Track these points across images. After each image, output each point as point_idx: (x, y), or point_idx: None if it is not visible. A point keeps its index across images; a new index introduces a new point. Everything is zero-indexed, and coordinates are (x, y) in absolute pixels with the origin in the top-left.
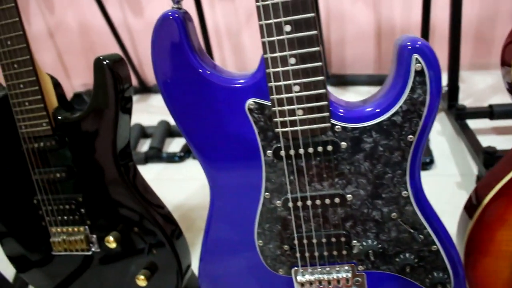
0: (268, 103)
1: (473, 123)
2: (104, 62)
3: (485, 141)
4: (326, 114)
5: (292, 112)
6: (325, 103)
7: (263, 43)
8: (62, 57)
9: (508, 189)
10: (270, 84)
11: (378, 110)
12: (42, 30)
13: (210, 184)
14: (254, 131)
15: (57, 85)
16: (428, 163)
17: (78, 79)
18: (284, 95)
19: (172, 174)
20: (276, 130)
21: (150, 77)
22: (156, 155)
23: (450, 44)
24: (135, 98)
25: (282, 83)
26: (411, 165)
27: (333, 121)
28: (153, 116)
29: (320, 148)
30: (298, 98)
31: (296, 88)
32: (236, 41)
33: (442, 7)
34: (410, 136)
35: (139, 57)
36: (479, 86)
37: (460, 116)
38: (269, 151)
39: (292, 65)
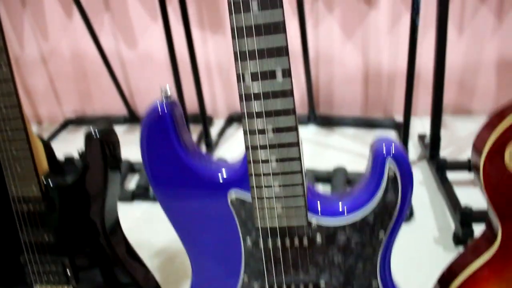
0: (249, 197)
1: (453, 175)
2: (95, 137)
3: (464, 193)
4: (303, 213)
5: (271, 209)
6: (302, 203)
7: (246, 147)
8: (54, 83)
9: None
10: (251, 184)
11: (352, 210)
12: (35, 55)
13: (191, 262)
14: (235, 221)
15: (48, 148)
16: (408, 215)
17: (69, 105)
18: (264, 194)
19: (159, 213)
20: (255, 224)
21: (140, 107)
22: (143, 194)
23: (433, 93)
24: (123, 128)
25: (262, 184)
26: (382, 259)
27: (309, 219)
28: None
29: (296, 241)
30: (278, 197)
31: (276, 188)
32: (227, 76)
33: (428, 52)
34: (381, 233)
35: (129, 87)
36: (460, 133)
37: (440, 168)
38: (248, 240)
39: (273, 168)
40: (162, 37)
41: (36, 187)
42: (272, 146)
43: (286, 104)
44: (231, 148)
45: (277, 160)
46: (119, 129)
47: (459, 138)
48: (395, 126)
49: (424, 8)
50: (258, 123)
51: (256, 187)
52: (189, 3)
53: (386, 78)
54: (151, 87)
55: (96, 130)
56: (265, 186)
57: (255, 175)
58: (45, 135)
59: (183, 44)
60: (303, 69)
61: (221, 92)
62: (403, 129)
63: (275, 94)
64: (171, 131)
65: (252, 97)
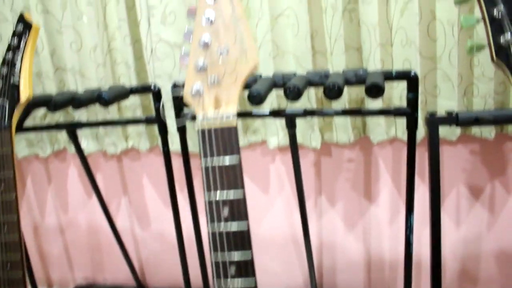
0: None
1: None
2: None
3: None
4: None
5: None
6: None
7: None
8: (68, 251)
9: None
10: None
11: None
12: (54, 225)
13: None
14: None
15: None
16: None
17: (80, 273)
18: None
19: None
20: None
21: (148, 278)
22: None
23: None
24: None
25: None
26: None
27: None
28: None
29: None
30: None
31: None
32: None
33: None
34: None
35: (140, 260)
36: None
37: None
38: None
39: None
40: (171, 229)
41: None
42: None
43: None
44: None
45: None
46: None
47: None
48: None
49: (423, 201)
50: None
51: None
52: (197, 192)
53: (388, 265)
54: (160, 262)
55: None
56: None
57: None
58: None
59: (191, 227)
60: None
61: None
62: None
63: None
64: None
65: None
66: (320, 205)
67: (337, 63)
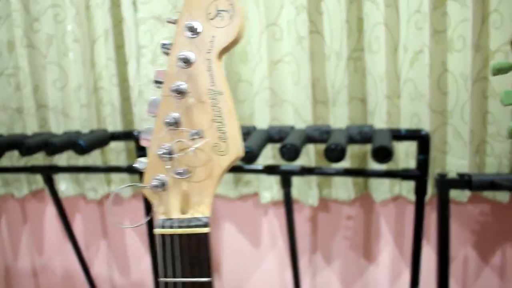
0: None
1: None
2: None
3: None
4: None
5: None
6: None
7: None
8: None
9: None
10: None
11: None
12: (27, 268)
13: None
14: None
15: None
16: None
17: None
18: None
19: None
20: None
21: None
22: None
23: None
24: None
25: None
26: None
27: None
28: None
29: None
30: None
31: None
32: None
33: None
34: None
35: None
36: None
37: None
38: None
39: None
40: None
41: None
42: None
43: None
44: None
45: None
46: None
47: None
48: None
49: (427, 261)
50: None
51: None
52: None
53: None
54: None
55: None
56: None
57: None
58: None
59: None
60: None
61: None
62: None
63: None
64: None
65: None
66: (315, 263)
67: (339, 115)
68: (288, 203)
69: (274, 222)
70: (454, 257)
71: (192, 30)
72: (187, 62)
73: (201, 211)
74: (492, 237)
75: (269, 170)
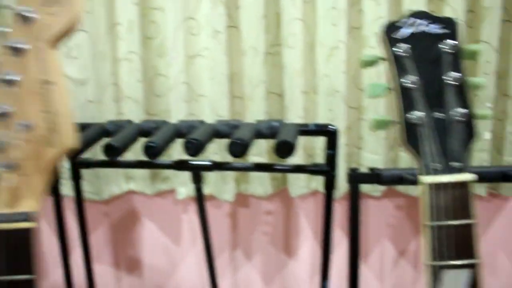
0: None
1: None
2: None
3: None
4: None
5: None
6: None
7: None
8: None
9: None
10: None
11: None
12: None
13: None
14: None
15: None
16: None
17: None
18: None
19: None
20: None
21: None
22: None
23: None
24: None
25: None
26: None
27: None
28: None
29: None
30: None
31: None
32: None
33: None
34: None
35: None
36: None
37: None
38: None
39: None
40: None
41: None
42: None
43: None
44: None
45: None
46: None
47: None
48: None
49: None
50: None
51: None
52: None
53: None
54: None
55: None
56: None
57: None
58: None
59: None
60: None
61: None
62: None
63: None
64: None
65: None
66: (235, 259)
67: (256, 110)
68: (200, 198)
69: (194, 219)
70: (371, 250)
71: (24, 16)
72: (16, 50)
73: (28, 206)
74: (406, 230)
75: (179, 165)
